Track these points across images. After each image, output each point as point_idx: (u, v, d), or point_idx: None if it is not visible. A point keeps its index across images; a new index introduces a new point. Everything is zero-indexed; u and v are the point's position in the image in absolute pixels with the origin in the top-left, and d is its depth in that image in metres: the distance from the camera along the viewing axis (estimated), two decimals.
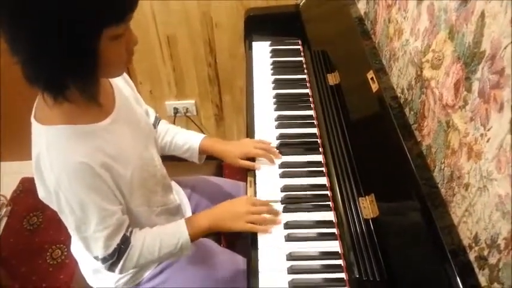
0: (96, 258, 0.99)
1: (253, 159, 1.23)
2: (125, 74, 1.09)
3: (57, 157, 0.85)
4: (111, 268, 1.01)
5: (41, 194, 0.94)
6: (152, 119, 1.24)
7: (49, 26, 0.72)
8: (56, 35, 0.72)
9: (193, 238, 1.07)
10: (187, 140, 1.27)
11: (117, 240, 0.97)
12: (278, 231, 1.07)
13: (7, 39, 0.75)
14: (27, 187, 2.27)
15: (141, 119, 1.07)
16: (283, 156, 1.24)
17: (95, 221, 0.91)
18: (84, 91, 0.82)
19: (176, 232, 1.06)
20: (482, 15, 0.75)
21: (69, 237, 1.16)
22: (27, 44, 0.74)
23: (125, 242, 0.99)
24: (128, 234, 1.00)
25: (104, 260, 0.98)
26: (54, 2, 0.70)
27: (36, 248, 2.03)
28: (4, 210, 2.14)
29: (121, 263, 1.00)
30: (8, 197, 2.21)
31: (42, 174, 0.88)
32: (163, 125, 1.29)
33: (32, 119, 0.89)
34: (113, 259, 0.98)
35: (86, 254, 1.13)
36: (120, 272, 1.03)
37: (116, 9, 0.76)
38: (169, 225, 1.09)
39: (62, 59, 0.76)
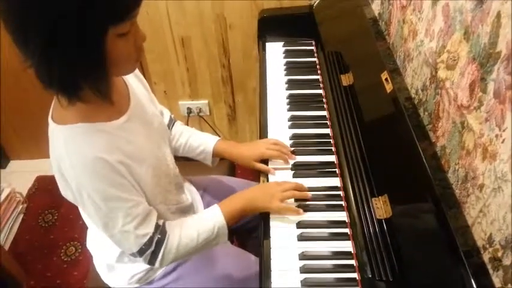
0: (133, 254, 0.98)
1: (267, 161, 1.24)
2: (139, 74, 1.10)
3: (76, 155, 0.86)
4: (151, 260, 0.99)
5: (66, 194, 0.94)
6: (167, 120, 1.25)
7: (55, 28, 0.72)
8: (62, 36, 0.73)
9: (229, 220, 1.05)
10: (202, 143, 1.28)
11: (150, 228, 0.96)
12: (291, 231, 1.07)
13: (17, 44, 0.76)
14: (42, 185, 2.30)
15: (154, 118, 1.08)
16: (296, 157, 1.25)
17: (122, 214, 0.91)
18: (97, 91, 0.83)
19: (212, 216, 1.05)
20: (498, 15, 0.75)
21: (83, 234, 1.18)
22: (36, 48, 0.74)
23: (161, 232, 0.98)
24: (161, 223, 0.99)
25: (141, 251, 0.96)
26: (58, 3, 0.71)
27: (51, 245, 2.06)
28: (20, 207, 2.18)
29: (161, 254, 0.98)
30: (24, 195, 2.25)
31: (64, 175, 0.89)
32: (178, 126, 1.30)
33: (49, 120, 0.91)
34: (151, 248, 0.97)
35: (101, 250, 1.15)
36: (161, 264, 1.01)
37: (121, 7, 0.77)
38: (203, 212, 1.10)
39: (71, 60, 0.77)
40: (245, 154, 1.26)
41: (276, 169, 1.22)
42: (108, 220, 0.92)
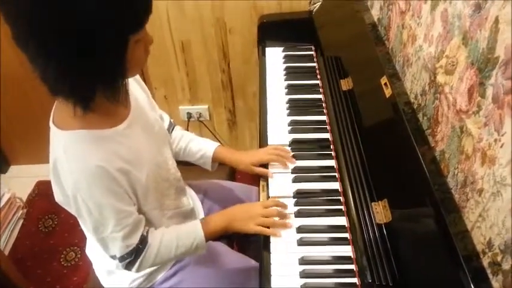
0: (113, 257, 1.00)
1: (267, 166, 1.24)
2: (139, 79, 1.11)
3: (75, 161, 0.87)
4: (128, 267, 1.02)
5: (58, 197, 0.96)
6: (166, 124, 1.25)
7: (78, 43, 0.73)
8: (85, 50, 0.74)
9: (209, 238, 1.09)
10: (201, 148, 1.29)
11: (136, 239, 0.99)
12: (290, 236, 1.07)
13: (32, 59, 0.76)
14: (42, 190, 2.30)
15: (154, 123, 1.09)
16: (296, 161, 1.25)
17: (113, 223, 0.93)
18: (113, 97, 0.85)
19: (192, 232, 1.07)
20: (497, 21, 0.75)
21: (83, 239, 1.18)
22: (59, 63, 0.76)
23: (143, 242, 1.00)
24: (145, 233, 1.01)
25: (122, 258, 0.99)
26: (81, 19, 0.71)
27: (51, 250, 2.05)
28: (20, 212, 2.17)
29: (138, 262, 1.02)
30: (24, 200, 2.25)
31: (60, 177, 0.90)
32: (178, 131, 1.30)
33: (51, 124, 0.91)
34: (131, 258, 1.00)
35: (101, 255, 1.14)
36: (137, 271, 1.04)
37: (140, 14, 0.79)
38: (185, 225, 1.11)
39: (94, 73, 0.79)
40: (244, 159, 1.26)
41: (275, 173, 1.22)
42: (98, 225, 0.94)
